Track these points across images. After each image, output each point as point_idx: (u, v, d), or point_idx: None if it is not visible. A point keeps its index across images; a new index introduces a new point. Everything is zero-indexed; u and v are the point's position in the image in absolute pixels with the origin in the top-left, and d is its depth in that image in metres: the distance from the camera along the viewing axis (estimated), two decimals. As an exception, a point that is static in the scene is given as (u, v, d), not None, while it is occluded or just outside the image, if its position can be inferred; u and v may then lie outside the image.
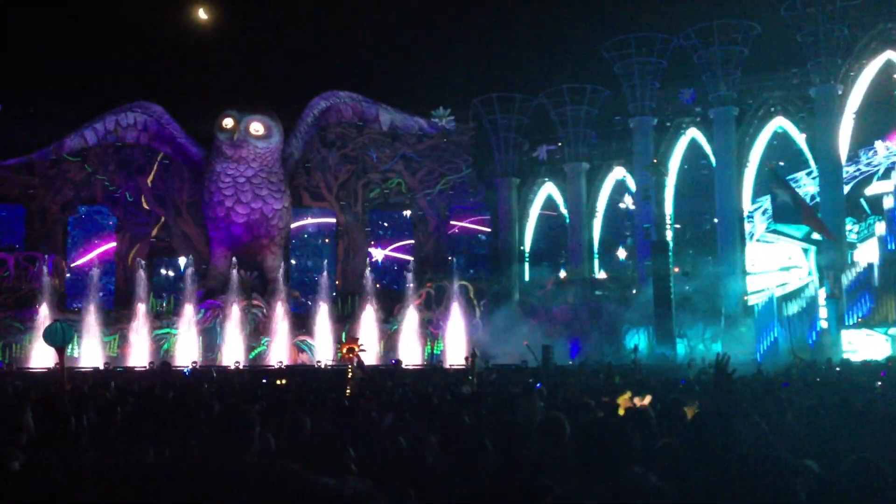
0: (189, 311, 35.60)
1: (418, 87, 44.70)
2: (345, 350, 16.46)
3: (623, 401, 8.64)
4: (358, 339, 17.98)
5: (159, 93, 40.29)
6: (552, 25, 48.49)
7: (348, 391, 12.96)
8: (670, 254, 33.74)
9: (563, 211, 43.95)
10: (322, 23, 49.02)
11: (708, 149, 39.84)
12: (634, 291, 37.85)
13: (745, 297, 36.49)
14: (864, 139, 36.59)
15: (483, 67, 44.42)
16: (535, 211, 45.37)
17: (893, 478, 4.20)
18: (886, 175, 34.97)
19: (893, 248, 31.82)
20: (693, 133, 40.49)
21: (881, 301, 31.53)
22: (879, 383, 15.51)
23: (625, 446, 3.91)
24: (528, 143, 44.17)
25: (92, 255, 39.40)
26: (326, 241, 43.89)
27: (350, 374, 15.44)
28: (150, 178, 39.38)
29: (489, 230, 44.12)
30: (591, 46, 41.11)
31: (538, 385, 17.11)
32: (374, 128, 40.83)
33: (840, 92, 35.84)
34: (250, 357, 35.18)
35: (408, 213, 43.88)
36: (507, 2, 46.68)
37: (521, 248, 44.73)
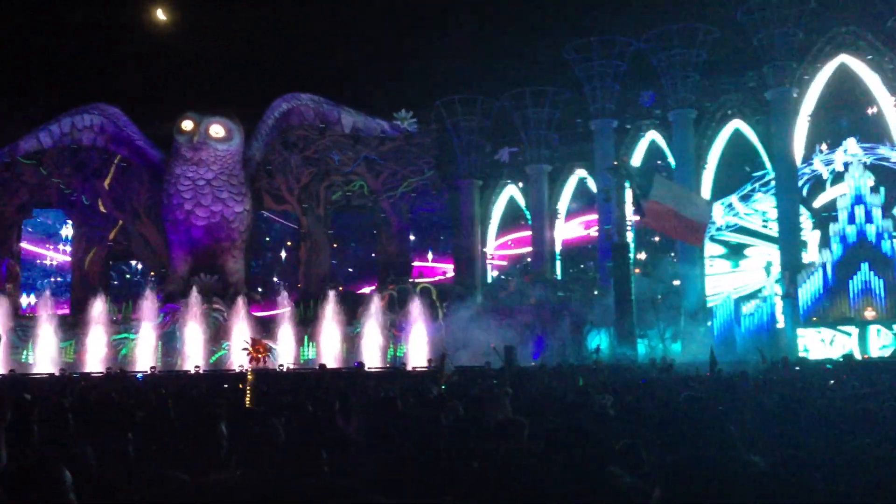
0: (148, 316, 35.13)
1: (380, 89, 44.62)
2: (253, 353, 15.85)
3: None
4: (265, 342, 17.21)
5: (117, 94, 39.73)
6: (514, 28, 48.76)
7: (248, 400, 12.49)
8: (631, 255, 34.09)
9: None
10: (283, 24, 48.71)
11: (668, 150, 40.34)
12: (596, 292, 38.16)
13: (705, 298, 37.09)
14: (818, 141, 37.33)
15: (445, 70, 44.44)
16: (497, 213, 45.51)
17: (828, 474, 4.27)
18: (840, 178, 35.67)
19: (847, 247, 32.48)
20: (653, 135, 40.96)
21: (835, 300, 32.18)
22: (832, 381, 15.82)
23: (598, 447, 3.93)
24: (491, 145, 44.31)
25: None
26: (289, 243, 43.52)
27: (250, 377, 14.91)
28: (108, 180, 38.80)
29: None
30: (552, 49, 41.39)
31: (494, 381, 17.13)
32: (336, 130, 40.65)
33: (795, 95, 36.53)
34: (211, 361, 34.80)
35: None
36: (469, 5, 46.82)
37: (484, 250, 44.86)
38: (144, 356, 34.20)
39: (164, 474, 3.50)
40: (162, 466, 4.22)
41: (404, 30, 48.17)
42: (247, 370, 15.71)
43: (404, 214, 41.72)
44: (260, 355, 15.51)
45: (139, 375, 27.17)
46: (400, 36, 47.94)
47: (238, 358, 34.45)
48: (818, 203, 37.24)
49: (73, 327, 35.23)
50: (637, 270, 34.92)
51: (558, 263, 43.43)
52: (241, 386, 15.64)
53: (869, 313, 31.41)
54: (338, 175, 41.09)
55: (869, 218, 32.39)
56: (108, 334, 34.97)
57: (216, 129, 36.38)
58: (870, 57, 36.22)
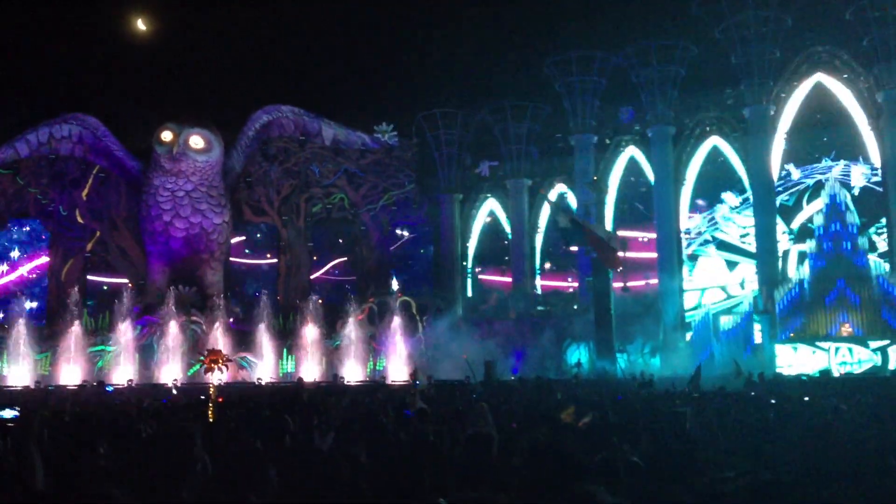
0: (125, 328, 34.75)
1: (361, 102, 44.68)
2: (208, 363, 15.28)
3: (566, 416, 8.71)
4: (221, 351, 16.43)
5: (95, 104, 39.44)
6: (495, 42, 49.00)
7: (210, 413, 12.24)
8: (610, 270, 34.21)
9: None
10: (265, 36, 48.70)
11: (647, 166, 40.61)
12: (576, 307, 38.27)
13: (684, 312, 37.29)
14: (794, 158, 37.76)
15: (426, 83, 44.59)
16: (477, 226, 45.59)
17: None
18: (816, 193, 36.09)
19: (823, 265, 32.79)
20: (632, 151, 41.25)
21: (812, 316, 32.44)
22: (807, 398, 15.90)
23: (574, 463, 3.92)
24: (471, 158, 44.44)
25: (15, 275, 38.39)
26: (268, 255, 43.29)
27: (211, 391, 14.54)
28: (86, 191, 38.44)
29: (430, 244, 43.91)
30: (533, 64, 41.66)
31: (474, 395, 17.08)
32: (316, 142, 40.57)
33: (772, 112, 36.95)
34: (188, 374, 34.45)
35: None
36: (451, 18, 47.03)
37: (464, 263, 44.89)
38: (121, 369, 33.81)
39: (109, 493, 3.45)
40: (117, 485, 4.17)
41: (385, 44, 48.33)
42: (219, 383, 15.39)
43: (384, 227, 41.66)
44: (216, 366, 14.97)
45: (109, 388, 26.72)
46: (381, 49, 48.06)
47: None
48: (796, 222, 37.60)
49: (48, 339, 34.79)
50: (617, 286, 35.04)
51: (538, 277, 43.51)
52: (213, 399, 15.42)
53: (845, 330, 31.69)
54: (318, 187, 40.97)
55: (845, 235, 32.75)
56: (84, 346, 34.55)
57: (196, 141, 36.19)
58: (845, 76, 36.74)
